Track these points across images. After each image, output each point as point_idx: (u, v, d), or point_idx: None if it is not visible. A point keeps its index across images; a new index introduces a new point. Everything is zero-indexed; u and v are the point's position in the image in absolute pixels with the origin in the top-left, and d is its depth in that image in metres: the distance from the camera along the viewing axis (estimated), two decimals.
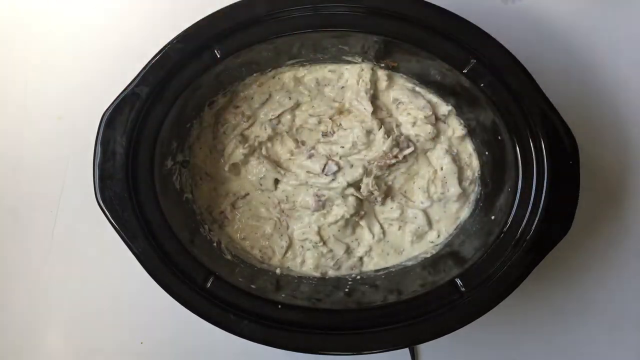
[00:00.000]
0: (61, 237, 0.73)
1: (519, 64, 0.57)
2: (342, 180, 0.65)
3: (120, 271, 0.72)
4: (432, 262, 0.64)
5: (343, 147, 0.65)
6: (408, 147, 0.65)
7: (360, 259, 0.67)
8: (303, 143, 0.67)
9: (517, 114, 0.57)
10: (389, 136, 0.64)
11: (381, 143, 0.64)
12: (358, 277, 0.66)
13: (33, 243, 0.73)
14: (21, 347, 0.73)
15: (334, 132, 0.66)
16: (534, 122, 0.57)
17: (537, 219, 0.56)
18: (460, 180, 0.65)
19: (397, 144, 0.65)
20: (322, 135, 0.66)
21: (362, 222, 0.67)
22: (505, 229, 0.58)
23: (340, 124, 0.66)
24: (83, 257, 0.73)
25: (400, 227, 0.67)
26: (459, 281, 0.57)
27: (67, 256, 0.73)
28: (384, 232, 0.67)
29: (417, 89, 0.66)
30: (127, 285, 0.72)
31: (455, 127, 0.66)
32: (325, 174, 0.65)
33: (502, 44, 0.58)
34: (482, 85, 0.58)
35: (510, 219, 0.58)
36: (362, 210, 0.66)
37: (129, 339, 0.73)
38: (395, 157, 0.65)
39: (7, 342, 0.73)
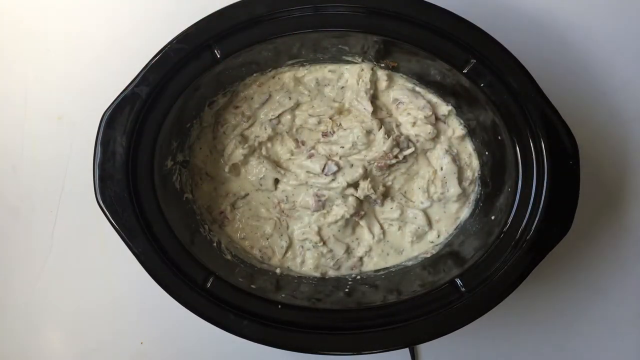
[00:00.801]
0: (61, 237, 0.73)
1: (519, 64, 0.57)
2: (342, 181, 0.65)
3: (120, 271, 0.72)
4: (432, 262, 0.64)
5: (343, 147, 0.65)
6: (408, 147, 0.65)
7: (360, 259, 0.67)
8: (303, 143, 0.67)
9: (517, 114, 0.57)
10: (389, 136, 0.64)
11: (381, 143, 0.64)
12: (358, 277, 0.66)
13: (33, 243, 0.73)
14: (21, 347, 0.73)
15: (334, 132, 0.66)
16: (534, 122, 0.57)
17: (537, 219, 0.56)
18: (460, 181, 0.65)
19: (397, 144, 0.65)
20: (322, 135, 0.66)
21: (362, 222, 0.67)
22: (505, 229, 0.58)
23: (340, 124, 0.66)
24: (83, 257, 0.73)
25: (400, 228, 0.67)
26: (459, 281, 0.57)
27: (67, 256, 0.73)
28: (384, 233, 0.67)
29: (417, 89, 0.66)
30: (127, 285, 0.72)
31: (455, 127, 0.66)
32: (325, 174, 0.65)
33: (502, 44, 0.58)
34: (482, 85, 0.58)
35: (510, 219, 0.58)
36: (362, 210, 0.66)
37: (129, 339, 0.73)
38: (396, 157, 0.65)
39: (7, 342, 0.73)
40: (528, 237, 0.56)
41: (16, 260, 0.73)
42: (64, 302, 0.73)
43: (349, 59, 0.65)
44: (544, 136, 0.57)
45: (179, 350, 0.73)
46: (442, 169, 0.65)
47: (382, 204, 0.67)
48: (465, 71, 0.58)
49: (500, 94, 0.58)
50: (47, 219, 0.73)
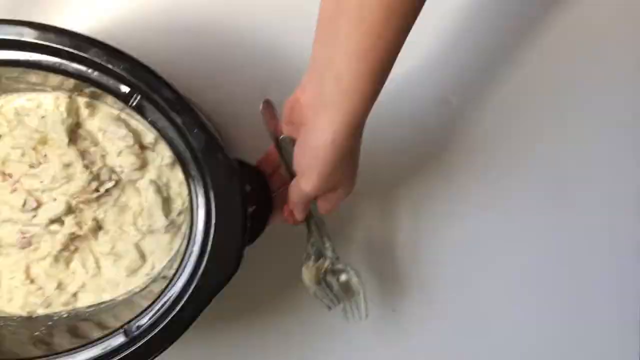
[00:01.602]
0: None
1: (181, 100, 0.54)
2: (43, 217, 0.62)
3: None
4: (126, 303, 0.62)
5: (43, 181, 0.62)
6: (110, 179, 0.62)
7: (75, 294, 0.65)
8: (10, 176, 0.64)
9: (183, 149, 0.54)
10: (87, 168, 0.61)
11: (79, 177, 0.61)
12: (67, 314, 0.64)
13: None
14: None
15: (40, 164, 0.63)
16: (202, 157, 0.54)
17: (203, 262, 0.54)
18: (169, 211, 0.63)
19: (97, 177, 0.62)
20: (29, 167, 0.63)
21: (76, 257, 0.64)
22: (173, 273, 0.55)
23: (45, 155, 0.63)
24: None
25: (115, 261, 0.65)
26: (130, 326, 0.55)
27: None
28: (98, 267, 0.65)
29: (123, 115, 0.62)
30: None
31: (164, 155, 0.63)
32: (26, 210, 0.62)
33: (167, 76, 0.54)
34: (149, 119, 0.55)
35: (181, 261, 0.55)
36: (72, 245, 0.64)
37: None
38: (97, 190, 0.62)
39: None
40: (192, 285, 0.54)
41: None
42: None
43: (43, 88, 0.61)
44: (207, 172, 0.54)
45: None
46: (146, 200, 0.63)
47: (96, 238, 0.64)
48: (133, 104, 0.55)
49: (165, 130, 0.54)
50: None
